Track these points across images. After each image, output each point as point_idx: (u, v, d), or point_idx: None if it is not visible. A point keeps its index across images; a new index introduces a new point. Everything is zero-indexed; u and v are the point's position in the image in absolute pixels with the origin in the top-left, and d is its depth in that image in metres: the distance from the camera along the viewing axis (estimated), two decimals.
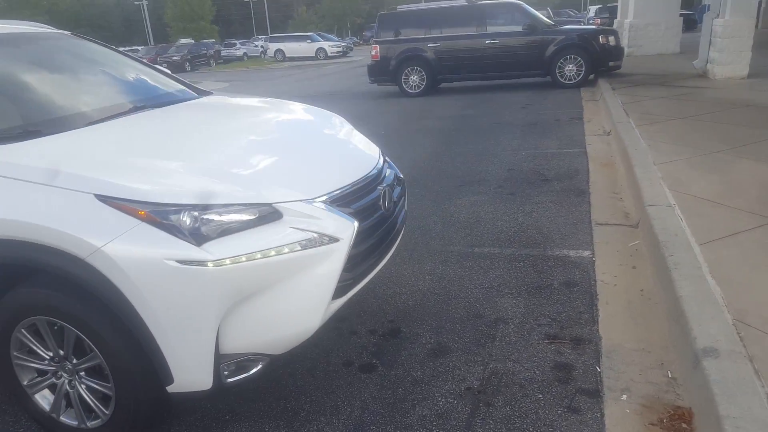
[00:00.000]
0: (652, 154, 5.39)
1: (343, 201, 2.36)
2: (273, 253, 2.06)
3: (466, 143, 7.36)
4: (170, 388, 2.06)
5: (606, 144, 6.72)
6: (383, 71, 12.79)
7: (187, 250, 1.92)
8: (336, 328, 3.06)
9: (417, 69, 12.53)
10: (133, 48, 40.43)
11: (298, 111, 3.35)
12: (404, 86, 12.68)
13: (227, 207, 2.04)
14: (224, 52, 39.13)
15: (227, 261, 1.96)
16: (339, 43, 36.27)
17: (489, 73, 12.31)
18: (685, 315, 2.64)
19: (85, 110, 2.76)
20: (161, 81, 3.52)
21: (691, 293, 2.82)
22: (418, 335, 2.95)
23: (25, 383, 2.27)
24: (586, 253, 3.78)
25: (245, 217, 2.07)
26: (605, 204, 4.68)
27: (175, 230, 1.94)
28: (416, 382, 2.58)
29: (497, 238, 4.14)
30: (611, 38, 11.47)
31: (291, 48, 35.87)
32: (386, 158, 3.05)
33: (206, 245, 1.95)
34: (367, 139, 3.18)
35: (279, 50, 36.27)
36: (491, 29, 11.99)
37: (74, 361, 2.17)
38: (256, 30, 63.89)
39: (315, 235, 2.17)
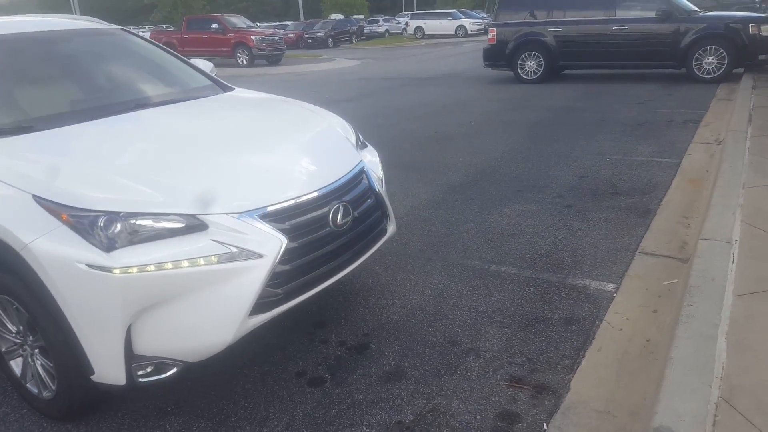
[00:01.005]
0: (749, 173, 4.65)
1: (277, 216, 2.35)
2: (186, 264, 2.11)
3: (553, 141, 6.88)
4: (93, 378, 2.22)
5: (709, 155, 5.91)
6: (499, 55, 12.29)
7: (96, 255, 2.04)
8: (310, 333, 3.08)
9: (534, 54, 11.87)
10: (283, 23, 42.65)
11: (291, 114, 3.35)
12: (519, 72, 12.10)
13: (143, 215, 2.12)
14: (367, 29, 39.92)
15: (133, 269, 2.05)
16: (480, 20, 35.32)
17: (615, 62, 11.32)
18: (664, 380, 2.29)
19: (78, 108, 3.00)
20: (182, 78, 3.71)
21: (685, 355, 2.43)
22: (383, 354, 2.87)
23: (3, 350, 2.57)
24: (610, 286, 3.39)
25: (163, 225, 2.14)
26: (665, 229, 4.15)
27: (88, 235, 2.06)
28: (353, 405, 2.52)
29: (522, 257, 3.85)
30: (764, 27, 9.94)
31: (431, 25, 35.67)
32: (365, 170, 2.94)
33: (116, 252, 2.05)
34: (353, 149, 3.05)
35: (419, 27, 36.23)
36: (620, 14, 10.96)
37: (30, 339, 2.42)
38: (404, 6, 64.29)
39: (235, 249, 2.19)
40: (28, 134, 2.59)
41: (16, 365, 2.57)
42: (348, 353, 2.91)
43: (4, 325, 2.49)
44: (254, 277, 2.21)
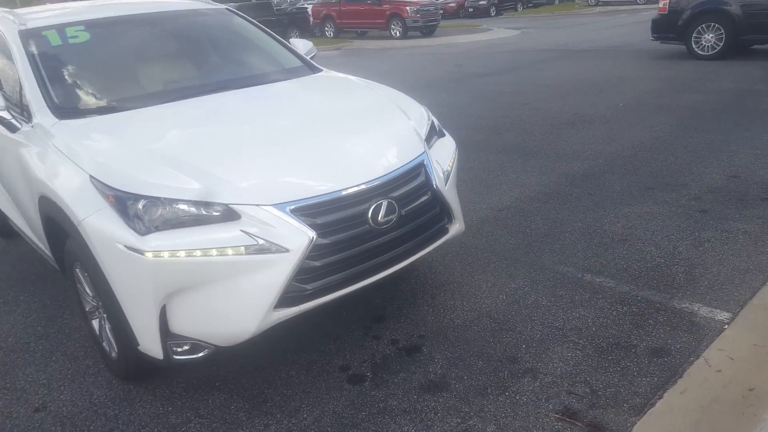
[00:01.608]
0: None
1: (309, 211, 2.27)
2: (214, 252, 2.14)
3: (710, 131, 5.94)
4: (139, 348, 2.37)
5: None
6: (670, 27, 10.85)
7: (133, 237, 2.13)
8: (366, 327, 3.00)
9: (714, 26, 10.30)
10: None
11: (362, 102, 3.23)
12: (694, 46, 10.60)
13: (179, 202, 2.17)
14: None
15: (165, 254, 2.12)
16: None
17: None
18: None
19: (163, 90, 3.15)
20: (273, 59, 3.75)
21: None
22: (433, 360, 2.70)
23: (87, 309, 2.85)
24: (723, 315, 2.84)
25: (198, 213, 2.18)
26: None
27: (127, 218, 2.16)
28: (384, 411, 2.41)
29: (626, 268, 3.38)
30: None
31: None
32: (426, 164, 2.72)
33: (150, 236, 2.14)
34: (417, 140, 2.82)
35: None
36: None
37: (99, 303, 2.64)
38: None
39: (262, 242, 2.16)
40: (105, 115, 2.79)
41: (96, 324, 2.84)
42: (397, 353, 2.79)
43: (84, 288, 2.74)
44: (280, 270, 2.18)
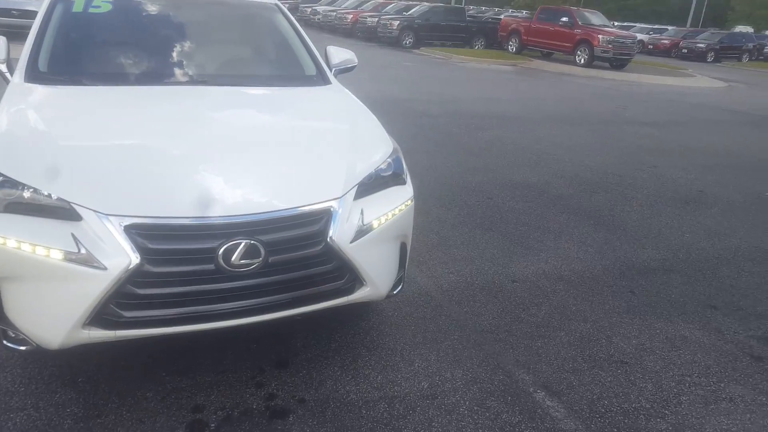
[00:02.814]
0: None
1: (144, 232, 2.06)
2: (39, 249, 2.02)
3: None
4: None
5: None
6: None
7: None
8: (259, 369, 2.71)
9: None
10: (662, 27, 38.25)
11: (318, 127, 2.91)
12: None
13: (18, 186, 2.10)
14: None
15: None
16: None
17: None
18: None
19: (135, 72, 3.12)
20: (285, 63, 3.56)
21: None
22: None
23: None
24: None
25: (37, 202, 2.08)
26: None
27: None
28: None
29: (595, 401, 2.66)
30: None
31: None
32: (332, 214, 2.33)
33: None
34: (337, 184, 2.43)
35: None
36: None
37: None
38: None
39: (85, 252, 2.00)
40: (61, 86, 2.84)
41: None
42: (260, 413, 2.46)
43: None
44: (93, 288, 2.00)
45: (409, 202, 2.70)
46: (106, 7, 3.33)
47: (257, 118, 2.90)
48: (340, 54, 3.80)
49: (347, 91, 3.43)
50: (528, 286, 3.71)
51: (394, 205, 2.60)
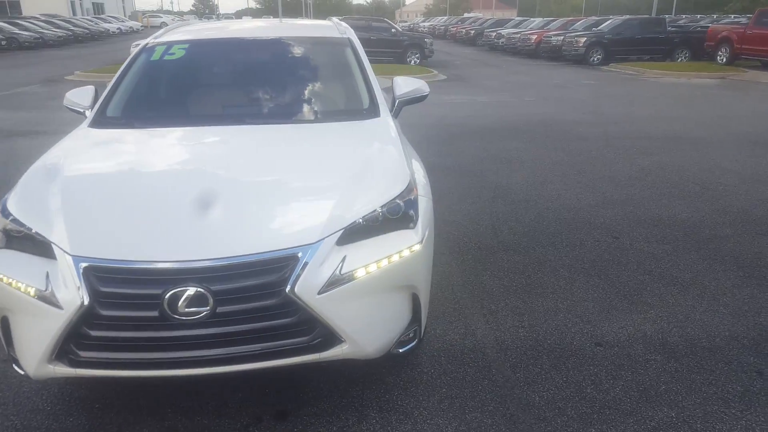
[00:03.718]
0: None
1: (97, 274, 2.04)
2: (14, 283, 2.13)
3: None
4: None
5: None
6: None
7: None
8: (255, 418, 2.56)
9: None
10: None
11: (327, 165, 2.65)
12: None
13: (21, 225, 2.23)
14: None
15: None
16: None
17: None
18: None
19: (180, 114, 3.21)
20: (336, 100, 3.39)
21: None
22: None
23: None
24: None
25: (30, 241, 2.20)
26: None
27: None
28: None
29: None
30: None
31: None
32: (301, 262, 2.08)
33: None
34: (313, 229, 2.18)
35: None
36: None
37: None
38: None
39: (49, 291, 2.06)
40: (110, 129, 3.02)
41: None
42: None
43: None
44: (53, 325, 2.04)
45: (417, 247, 2.33)
46: (179, 53, 3.55)
47: (270, 157, 2.74)
48: (408, 84, 3.55)
49: (392, 123, 3.14)
50: (614, 353, 3.01)
51: (392, 251, 2.27)
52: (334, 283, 2.11)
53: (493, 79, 17.09)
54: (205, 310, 2.01)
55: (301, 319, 2.11)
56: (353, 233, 2.23)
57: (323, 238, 2.14)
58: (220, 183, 2.42)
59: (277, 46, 3.78)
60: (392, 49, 21.20)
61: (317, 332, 2.14)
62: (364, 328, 2.23)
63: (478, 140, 8.36)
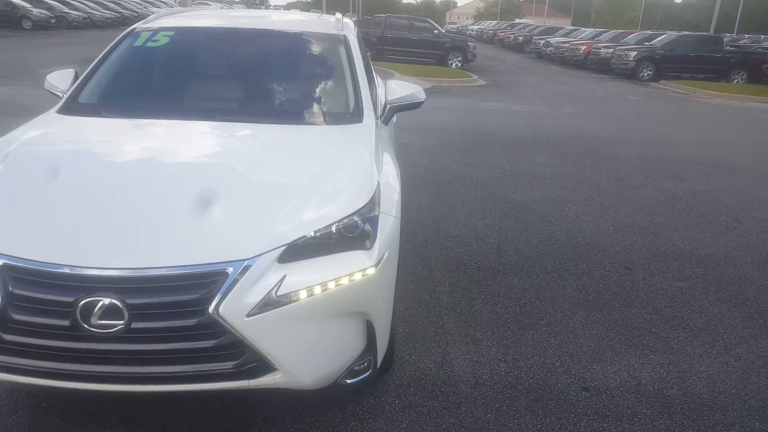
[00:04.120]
0: None
1: (13, 274, 1.88)
2: None
3: None
4: None
5: None
6: None
7: None
8: None
9: None
10: None
11: (292, 171, 2.43)
12: None
13: None
14: None
15: None
16: None
17: None
18: None
19: (157, 106, 3.06)
20: (323, 99, 3.21)
21: None
22: None
23: None
24: None
25: None
26: None
27: None
28: None
29: None
30: None
31: None
32: (232, 278, 1.90)
33: None
34: (243, 242, 1.99)
35: None
36: None
37: None
38: None
39: None
40: (82, 117, 2.90)
41: None
42: None
43: None
44: None
45: (371, 271, 2.12)
46: (163, 41, 3.37)
47: (224, 159, 2.54)
48: (402, 89, 3.31)
49: (374, 131, 2.89)
50: (600, 401, 2.73)
51: (341, 273, 2.06)
52: (268, 304, 1.91)
53: (534, 89, 16.64)
54: (119, 324, 1.84)
55: (226, 342, 1.91)
56: (300, 250, 2.03)
57: (260, 254, 1.95)
58: (161, 185, 2.25)
59: (264, 39, 3.58)
60: (433, 51, 20.92)
61: (246, 358, 1.95)
62: (303, 356, 2.03)
63: (504, 151, 8.05)
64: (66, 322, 1.84)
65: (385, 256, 2.21)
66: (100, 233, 1.97)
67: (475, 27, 50.71)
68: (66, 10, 29.47)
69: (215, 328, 1.88)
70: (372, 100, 3.19)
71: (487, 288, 3.83)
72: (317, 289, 2.00)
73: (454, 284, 3.85)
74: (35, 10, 27.11)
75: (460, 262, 4.23)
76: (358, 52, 3.46)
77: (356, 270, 2.09)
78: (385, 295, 2.28)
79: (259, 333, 1.91)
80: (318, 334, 2.06)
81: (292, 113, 3.09)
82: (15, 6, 26.83)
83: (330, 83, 3.36)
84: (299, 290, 1.97)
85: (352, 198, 2.23)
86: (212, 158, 2.54)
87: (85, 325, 1.83)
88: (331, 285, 2.03)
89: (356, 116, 2.99)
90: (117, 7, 35.75)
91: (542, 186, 6.40)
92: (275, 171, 2.40)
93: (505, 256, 4.39)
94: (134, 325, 1.85)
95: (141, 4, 39.69)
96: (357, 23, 30.47)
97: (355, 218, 2.16)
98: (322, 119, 3.00)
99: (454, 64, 20.89)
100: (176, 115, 2.91)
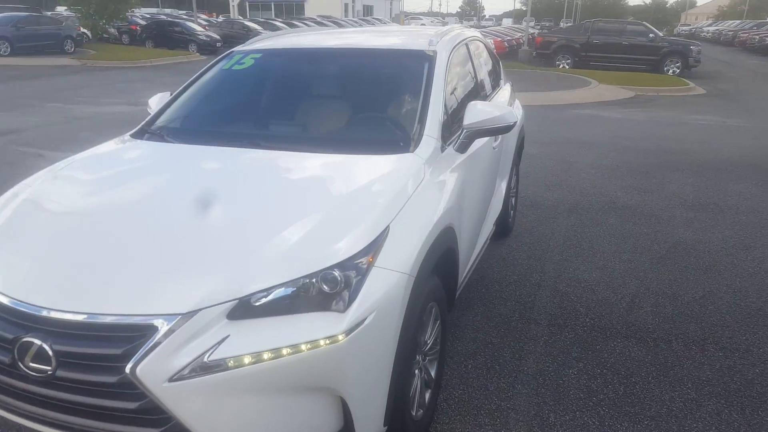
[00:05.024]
0: None
1: None
2: None
3: None
4: None
5: None
6: None
7: None
8: None
9: None
10: None
11: (294, 215, 2.07)
12: None
13: None
14: None
15: None
16: None
17: None
18: None
19: (214, 130, 3.00)
20: (390, 126, 2.86)
21: None
22: None
23: None
24: None
25: None
26: None
27: None
28: None
29: None
30: None
31: None
32: (160, 337, 1.67)
33: None
34: (198, 293, 1.74)
35: None
36: None
37: None
38: None
39: None
40: (141, 141, 2.92)
41: None
42: None
43: None
44: None
45: (340, 338, 1.75)
46: (248, 63, 3.29)
47: (214, 194, 2.26)
48: (485, 112, 2.78)
49: (417, 162, 2.44)
50: None
51: (300, 338, 1.72)
52: (197, 369, 1.66)
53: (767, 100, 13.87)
54: (48, 369, 1.74)
55: (149, 407, 1.70)
56: (258, 306, 1.75)
57: (201, 308, 1.70)
58: (133, 224, 2.10)
59: (345, 59, 3.33)
60: (646, 56, 18.79)
61: (172, 426, 1.72)
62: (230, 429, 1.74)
63: (693, 176, 6.72)
64: (7, 359, 1.80)
65: (367, 321, 1.81)
66: (55, 271, 1.91)
67: (712, 28, 44.56)
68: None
69: (132, 389, 1.69)
70: (442, 126, 2.76)
71: (592, 354, 3.09)
72: (266, 356, 1.70)
73: (550, 344, 3.19)
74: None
75: (572, 315, 3.51)
76: (442, 72, 2.98)
77: (320, 336, 1.74)
78: (365, 370, 1.87)
79: (181, 402, 1.67)
80: (264, 410, 1.75)
81: (338, 140, 2.80)
82: (249, 29, 27.23)
83: (399, 105, 2.99)
84: (242, 355, 1.69)
85: (340, 246, 1.88)
86: (203, 192, 2.28)
87: (21, 365, 1.77)
88: (285, 352, 1.71)
89: (408, 145, 2.58)
90: (313, 25, 33.27)
91: (727, 224, 5.14)
92: (261, 209, 2.14)
93: (636, 314, 3.54)
94: (59, 373, 1.74)
95: (355, 22, 40.86)
96: (559, 30, 28.76)
97: (336, 274, 1.81)
98: (367, 148, 2.61)
99: (671, 71, 18.53)
100: (219, 142, 2.76)
